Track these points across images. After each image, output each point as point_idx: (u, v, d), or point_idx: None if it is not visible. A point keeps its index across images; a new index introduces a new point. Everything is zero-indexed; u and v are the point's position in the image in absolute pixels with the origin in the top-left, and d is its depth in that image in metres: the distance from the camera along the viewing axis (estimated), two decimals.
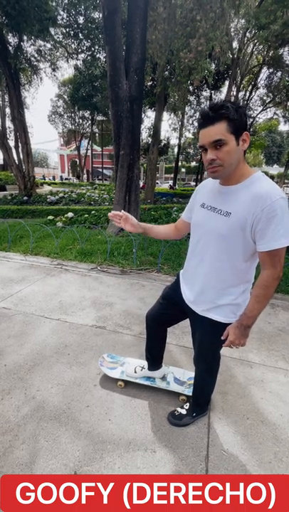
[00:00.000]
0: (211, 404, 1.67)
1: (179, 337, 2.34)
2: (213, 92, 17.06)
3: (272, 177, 31.96)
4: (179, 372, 1.84)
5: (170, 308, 1.45)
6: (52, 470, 1.27)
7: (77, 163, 33.31)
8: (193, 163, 35.90)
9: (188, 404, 1.58)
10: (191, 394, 1.65)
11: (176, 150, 26.08)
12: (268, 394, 1.78)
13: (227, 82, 15.84)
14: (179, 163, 27.68)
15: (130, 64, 4.85)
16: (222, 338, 1.18)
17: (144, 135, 19.34)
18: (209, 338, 1.26)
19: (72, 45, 10.42)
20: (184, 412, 1.55)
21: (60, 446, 1.38)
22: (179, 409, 1.57)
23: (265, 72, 13.62)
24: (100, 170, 35.39)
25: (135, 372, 1.76)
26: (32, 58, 10.96)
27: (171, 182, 29.03)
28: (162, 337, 1.63)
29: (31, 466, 1.29)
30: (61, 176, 37.29)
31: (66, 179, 33.19)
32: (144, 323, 1.61)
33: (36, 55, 11.02)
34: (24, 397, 1.66)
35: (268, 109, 16.17)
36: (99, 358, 1.94)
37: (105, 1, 4.61)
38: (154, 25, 5.43)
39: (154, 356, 1.69)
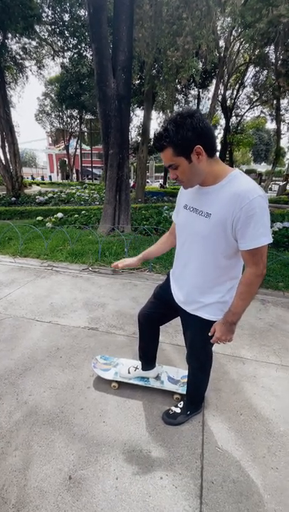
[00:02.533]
0: (205, 402, 1.68)
1: (172, 336, 2.35)
2: (201, 90, 17.16)
3: (260, 174, 32.44)
4: (173, 371, 1.84)
5: (162, 307, 1.46)
6: (46, 475, 1.25)
7: (66, 162, 32.92)
8: None
9: (182, 402, 1.59)
10: (185, 392, 1.65)
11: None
12: (261, 389, 1.80)
13: (214, 81, 15.98)
14: None
15: (117, 62, 4.81)
16: (209, 334, 1.20)
17: (133, 134, 19.31)
18: (200, 336, 1.27)
19: (58, 43, 10.27)
20: (178, 410, 1.55)
21: (54, 450, 1.36)
22: (173, 408, 1.57)
23: (251, 71, 13.79)
24: (90, 169, 35.10)
25: (129, 372, 1.75)
26: (17, 56, 10.75)
27: (161, 181, 29.07)
28: (155, 335, 1.63)
29: (25, 472, 1.27)
30: (50, 176, 36.78)
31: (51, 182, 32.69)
32: (137, 322, 1.60)
33: (21, 53, 10.81)
34: (16, 403, 1.63)
35: (255, 108, 16.38)
36: (92, 360, 1.92)
37: None
38: (140, 23, 5.40)
39: (148, 355, 1.69)
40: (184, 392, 1.65)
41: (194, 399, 1.56)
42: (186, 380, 1.76)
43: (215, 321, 1.19)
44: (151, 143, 1.00)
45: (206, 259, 1.10)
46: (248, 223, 0.94)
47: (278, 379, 1.90)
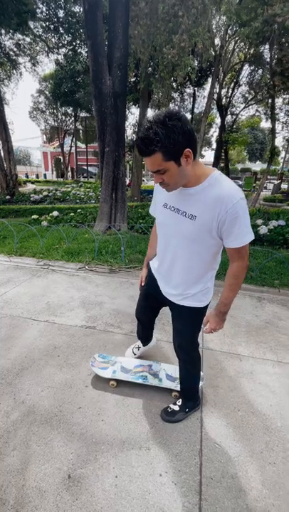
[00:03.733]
0: (203, 399, 1.69)
1: (170, 334, 2.34)
2: (196, 88, 17.14)
3: (255, 173, 32.60)
4: (171, 369, 1.85)
5: (153, 303, 1.59)
6: (45, 475, 1.25)
7: (61, 160, 32.65)
8: None
9: (180, 400, 1.59)
10: None
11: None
12: (258, 385, 1.82)
13: (210, 79, 15.98)
14: None
15: (113, 59, 4.77)
16: (202, 326, 1.29)
17: (129, 132, 19.22)
18: (187, 322, 1.35)
19: (53, 40, 10.15)
20: (176, 408, 1.56)
21: (52, 450, 1.36)
22: (171, 406, 1.58)
23: (246, 70, 13.83)
24: (85, 167, 34.87)
25: (134, 354, 1.98)
26: (11, 52, 10.59)
27: None
28: (152, 321, 1.82)
29: (23, 472, 1.26)
30: (45, 174, 36.45)
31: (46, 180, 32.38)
32: (135, 321, 1.77)
33: (15, 49, 10.66)
34: (13, 402, 1.62)
35: (250, 106, 16.44)
36: (90, 359, 1.92)
37: None
38: (136, 20, 5.36)
39: (148, 334, 1.92)
40: None
41: (189, 394, 1.57)
42: None
43: (199, 307, 1.27)
44: (137, 141, 0.92)
45: (193, 258, 1.17)
46: (234, 224, 1.01)
47: (275, 375, 1.92)
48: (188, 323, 1.35)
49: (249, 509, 1.15)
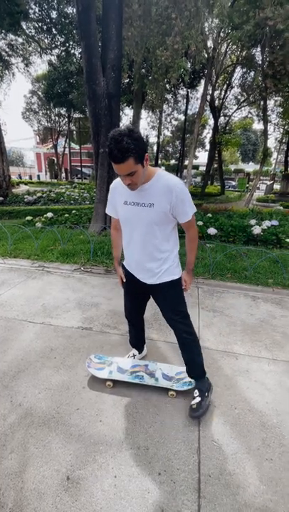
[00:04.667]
0: None
1: (166, 334, 2.36)
2: (189, 90, 17.28)
3: (248, 174, 32.97)
4: (167, 368, 1.86)
5: (138, 298, 1.74)
6: (43, 477, 1.24)
7: (55, 161, 32.45)
8: (173, 161, 36.19)
9: (196, 391, 1.62)
10: (179, 389, 1.68)
11: (155, 148, 26.16)
12: (254, 383, 1.84)
13: (203, 81, 16.11)
14: (159, 161, 27.81)
15: (107, 60, 4.78)
16: (182, 286, 1.57)
17: None
18: (173, 293, 1.57)
19: (46, 40, 10.09)
20: (198, 399, 1.57)
21: (50, 452, 1.35)
22: (193, 402, 1.57)
23: (238, 72, 13.99)
24: (79, 168, 34.72)
25: (133, 358, 1.97)
26: (3, 53, 10.50)
27: None
28: (142, 323, 1.93)
29: (21, 475, 1.25)
30: (38, 175, 36.17)
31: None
32: (127, 321, 1.88)
33: (7, 50, 10.57)
34: (10, 405, 1.60)
35: (243, 108, 16.63)
36: (86, 360, 1.91)
37: None
38: (129, 22, 5.38)
39: (141, 340, 1.99)
40: (179, 389, 1.68)
41: (200, 371, 1.66)
42: (180, 376, 1.79)
43: (177, 279, 1.53)
44: (113, 152, 1.13)
45: (156, 237, 1.42)
46: (182, 204, 1.35)
47: (270, 373, 1.95)
48: (173, 293, 1.57)
49: (247, 505, 1.16)
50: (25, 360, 2.00)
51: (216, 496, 1.19)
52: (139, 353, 2.01)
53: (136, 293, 1.69)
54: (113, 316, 2.62)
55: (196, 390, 1.63)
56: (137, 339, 1.97)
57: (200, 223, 5.65)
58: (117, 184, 1.46)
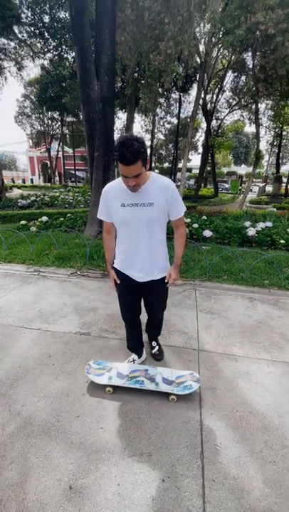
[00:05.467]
0: (202, 401, 1.70)
1: (166, 337, 2.35)
2: (182, 94, 17.44)
3: (240, 176, 33.36)
4: (167, 372, 1.85)
5: (134, 298, 1.80)
6: (45, 487, 1.21)
7: (48, 165, 32.30)
8: (166, 164, 36.41)
9: (154, 342, 2.11)
10: (180, 393, 1.67)
11: (148, 151, 26.28)
12: (254, 385, 1.84)
13: (194, 85, 16.29)
14: (152, 165, 27.94)
15: (100, 65, 4.80)
16: (166, 280, 1.64)
17: (116, 136, 19.26)
18: (164, 288, 1.76)
19: (38, 45, 10.09)
20: (157, 347, 2.10)
21: (52, 461, 1.32)
22: (156, 348, 2.09)
23: (230, 76, 14.20)
24: (73, 172, 34.62)
25: (130, 368, 1.93)
26: None
27: None
28: (139, 320, 1.96)
29: (23, 485, 1.22)
30: (31, 179, 35.93)
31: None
32: (125, 325, 1.95)
33: (0, 54, 10.52)
34: (9, 414, 1.57)
35: (235, 112, 16.86)
36: (85, 366, 1.89)
37: (73, 1, 4.52)
38: (122, 27, 5.42)
39: (140, 343, 2.02)
40: (180, 393, 1.67)
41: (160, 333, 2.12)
42: (180, 380, 1.78)
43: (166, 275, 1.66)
44: (125, 155, 1.25)
45: (156, 235, 1.56)
46: (174, 202, 1.51)
47: (270, 374, 1.95)
48: (164, 288, 1.75)
49: (252, 509, 1.16)
50: (23, 367, 1.96)
51: (221, 501, 1.18)
52: (139, 358, 2.01)
53: (131, 293, 1.75)
54: (111, 321, 2.60)
55: (154, 342, 2.12)
56: (136, 342, 1.99)
57: (195, 226, 5.68)
58: (110, 189, 1.53)
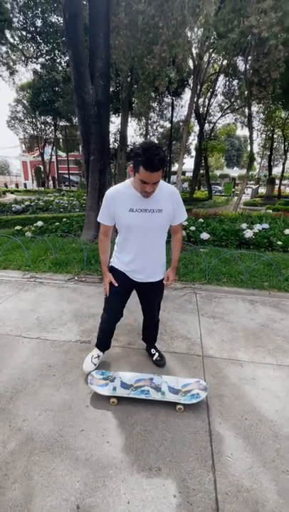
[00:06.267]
0: (209, 410, 1.65)
1: (169, 343, 2.30)
2: (174, 98, 17.58)
3: (233, 179, 33.71)
4: (173, 381, 1.80)
5: (125, 300, 1.82)
6: (51, 507, 1.15)
7: (42, 169, 32.12)
8: None
9: (152, 350, 2.08)
10: (187, 402, 1.62)
11: None
12: (261, 391, 1.81)
13: (186, 89, 16.45)
14: None
15: (95, 69, 4.78)
16: (164, 282, 1.75)
17: (110, 140, 19.29)
18: (162, 289, 1.83)
19: (31, 49, 10.05)
20: (158, 353, 2.06)
21: (57, 479, 1.26)
22: (155, 357, 2.04)
23: (221, 80, 14.38)
24: (67, 176, 34.47)
25: (94, 364, 1.92)
26: None
27: None
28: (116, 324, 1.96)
29: (27, 506, 1.15)
30: (25, 184, 35.66)
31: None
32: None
33: None
34: (9, 430, 1.49)
35: (227, 115, 17.06)
36: (88, 376, 1.83)
37: (66, 5, 4.51)
38: (116, 31, 5.43)
39: (109, 340, 2.00)
40: (186, 402, 1.62)
41: (156, 338, 2.13)
42: (187, 388, 1.73)
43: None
44: (129, 148, 1.20)
45: (162, 240, 1.64)
46: (180, 207, 1.59)
47: (277, 379, 1.92)
48: (162, 289, 1.83)
49: None
50: (22, 379, 1.89)
51: None
52: (103, 353, 2.02)
53: (126, 293, 1.79)
54: None
55: (153, 349, 2.08)
56: (107, 341, 1.98)
57: (192, 228, 5.67)
58: (115, 193, 1.52)
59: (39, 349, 2.21)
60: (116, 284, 1.70)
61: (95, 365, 1.93)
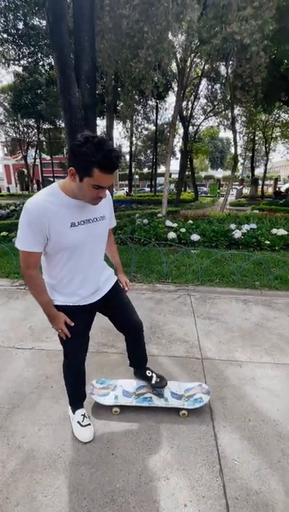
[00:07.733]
0: (212, 413, 1.64)
1: (167, 347, 2.29)
2: (158, 101, 17.76)
3: (218, 180, 34.38)
4: (175, 386, 1.78)
5: (88, 328, 1.48)
6: None
7: (25, 173, 31.46)
8: (146, 170, 36.78)
9: (148, 371, 1.72)
10: (191, 407, 1.61)
11: (128, 157, 26.39)
12: (262, 391, 1.82)
13: (170, 93, 16.66)
14: (132, 170, 28.07)
15: (81, 72, 4.74)
16: (124, 287, 1.60)
17: None
18: (121, 289, 1.59)
19: (12, 52, 9.84)
20: (155, 375, 1.72)
21: (62, 498, 1.21)
22: (153, 380, 1.69)
23: (204, 84, 14.67)
24: (51, 179, 33.91)
25: (88, 424, 1.54)
26: None
27: (126, 189, 29.25)
28: None
29: None
30: (8, 188, 34.79)
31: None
32: (75, 368, 1.53)
33: None
34: (8, 449, 1.42)
35: (210, 118, 17.40)
36: (88, 386, 1.77)
37: (50, 7, 4.45)
38: (101, 35, 5.41)
39: (85, 386, 1.61)
40: (190, 407, 1.60)
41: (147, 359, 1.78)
42: (190, 393, 1.72)
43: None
44: (114, 161, 1.06)
45: (103, 250, 1.42)
46: (112, 210, 1.43)
47: (275, 378, 1.94)
48: (122, 288, 1.60)
49: None
50: (19, 392, 1.81)
51: None
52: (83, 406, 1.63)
53: (87, 323, 1.44)
54: (108, 334, 2.49)
55: (149, 371, 1.73)
56: (84, 390, 1.60)
57: (183, 230, 5.70)
58: (44, 207, 1.10)
59: (34, 360, 2.14)
60: (72, 324, 1.32)
61: (89, 424, 1.52)
